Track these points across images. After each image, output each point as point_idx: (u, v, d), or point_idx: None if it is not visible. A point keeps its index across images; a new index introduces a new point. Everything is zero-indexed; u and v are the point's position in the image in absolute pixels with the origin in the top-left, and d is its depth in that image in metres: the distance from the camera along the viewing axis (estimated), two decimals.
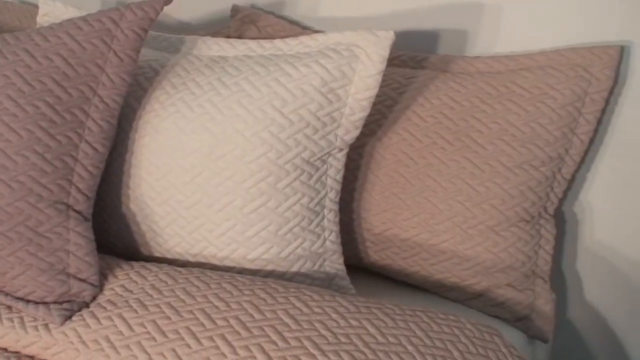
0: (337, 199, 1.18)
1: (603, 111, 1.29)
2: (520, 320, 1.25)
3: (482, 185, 1.21)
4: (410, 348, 0.94)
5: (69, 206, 1.07)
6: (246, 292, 1.01)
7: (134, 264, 1.11)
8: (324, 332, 0.94)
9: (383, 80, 1.30)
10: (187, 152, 1.13)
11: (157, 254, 1.19)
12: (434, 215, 1.23)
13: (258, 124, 1.10)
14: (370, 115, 1.27)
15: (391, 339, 0.95)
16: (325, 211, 1.17)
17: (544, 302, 1.25)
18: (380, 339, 0.95)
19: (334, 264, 1.19)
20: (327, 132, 1.13)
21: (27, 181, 1.04)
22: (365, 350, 0.92)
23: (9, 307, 1.05)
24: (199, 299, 1.00)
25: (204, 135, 1.12)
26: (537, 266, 1.26)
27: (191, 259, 1.17)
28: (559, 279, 1.42)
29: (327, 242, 1.18)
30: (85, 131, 1.09)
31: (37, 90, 1.07)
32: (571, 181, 1.35)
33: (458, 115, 1.23)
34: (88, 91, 1.09)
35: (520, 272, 1.23)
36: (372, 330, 0.96)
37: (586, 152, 1.33)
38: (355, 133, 1.15)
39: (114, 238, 1.22)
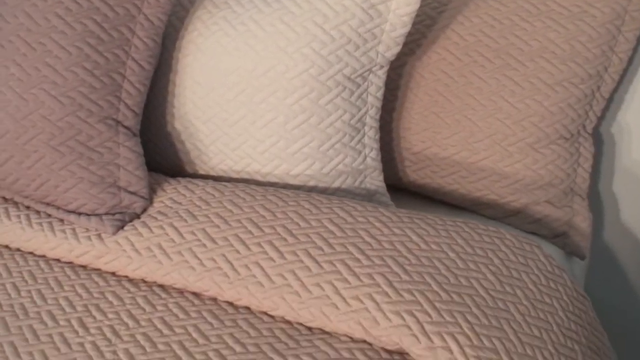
0: (378, 117, 1.20)
1: None
2: (558, 236, 1.27)
3: (522, 102, 1.22)
4: (452, 255, 0.97)
5: (118, 122, 1.10)
6: (291, 203, 1.04)
7: (181, 179, 1.15)
8: (368, 239, 0.97)
9: (422, 0, 1.30)
10: (230, 69, 1.14)
11: (201, 172, 1.22)
12: (474, 133, 1.24)
13: (300, 40, 1.12)
14: (409, 35, 1.28)
15: (433, 247, 0.98)
16: (366, 128, 1.19)
17: (581, 219, 1.27)
18: (423, 246, 0.97)
19: (375, 180, 1.21)
20: (368, 48, 1.14)
21: (77, 97, 1.07)
22: (409, 256, 0.95)
23: (61, 220, 1.09)
24: (245, 210, 1.03)
25: (247, 52, 1.13)
26: (576, 184, 1.27)
27: (235, 176, 1.19)
28: (596, 199, 1.43)
29: (368, 159, 1.20)
30: (131, 49, 1.11)
31: (84, 9, 1.09)
32: (609, 101, 1.36)
33: (498, 33, 1.24)
34: (133, 9, 1.11)
35: (559, 189, 1.25)
36: (414, 238, 0.98)
37: (625, 71, 1.33)
38: (396, 50, 1.16)
39: (160, 157, 1.25)
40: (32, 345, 0.90)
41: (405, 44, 1.28)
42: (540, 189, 1.24)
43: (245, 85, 1.14)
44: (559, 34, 1.22)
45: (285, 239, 0.97)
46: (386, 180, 1.34)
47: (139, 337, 0.90)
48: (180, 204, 1.07)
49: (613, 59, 1.24)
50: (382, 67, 1.17)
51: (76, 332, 0.92)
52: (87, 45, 1.08)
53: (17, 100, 1.08)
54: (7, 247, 1.11)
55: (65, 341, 0.91)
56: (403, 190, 1.38)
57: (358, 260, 0.93)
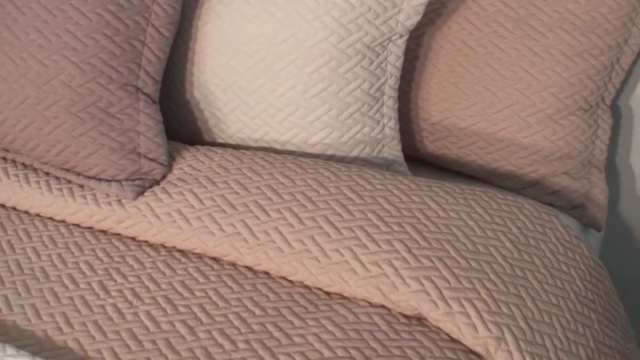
0: (397, 86, 1.20)
1: None
2: (575, 208, 1.27)
3: (542, 73, 1.21)
4: (470, 223, 0.97)
5: (138, 88, 1.10)
6: (310, 171, 1.05)
7: (200, 147, 1.15)
8: (387, 206, 0.98)
9: None
10: (250, 37, 1.14)
11: (220, 140, 1.23)
12: (493, 103, 1.24)
13: (320, 8, 1.12)
14: (429, 4, 1.28)
15: (452, 214, 0.98)
16: (385, 98, 1.19)
17: (598, 191, 1.27)
18: (441, 213, 0.98)
19: (393, 150, 1.21)
20: (388, 17, 1.14)
21: (97, 63, 1.08)
22: (427, 223, 0.95)
23: (81, 186, 1.10)
24: (265, 176, 1.04)
25: (267, 20, 1.13)
26: (594, 155, 1.27)
27: (253, 144, 1.20)
28: (613, 172, 1.43)
29: (386, 129, 1.20)
30: (151, 15, 1.11)
31: None
32: (629, 73, 1.35)
33: (518, 3, 1.23)
34: None
35: (577, 160, 1.25)
36: (433, 205, 0.99)
37: None
38: (416, 18, 1.15)
39: (179, 125, 1.26)
40: (54, 308, 0.91)
41: (425, 14, 1.27)
42: (558, 160, 1.24)
43: (265, 53, 1.14)
44: (579, 5, 1.21)
45: (304, 206, 0.98)
46: (404, 150, 1.34)
47: (160, 299, 0.91)
48: (199, 170, 1.08)
49: (633, 30, 1.23)
50: (402, 36, 1.17)
51: (97, 294, 0.93)
52: (107, 11, 1.08)
53: (37, 67, 1.08)
54: (26, 212, 1.12)
55: (86, 303, 0.92)
56: (420, 160, 1.38)
57: (377, 226, 0.94)
